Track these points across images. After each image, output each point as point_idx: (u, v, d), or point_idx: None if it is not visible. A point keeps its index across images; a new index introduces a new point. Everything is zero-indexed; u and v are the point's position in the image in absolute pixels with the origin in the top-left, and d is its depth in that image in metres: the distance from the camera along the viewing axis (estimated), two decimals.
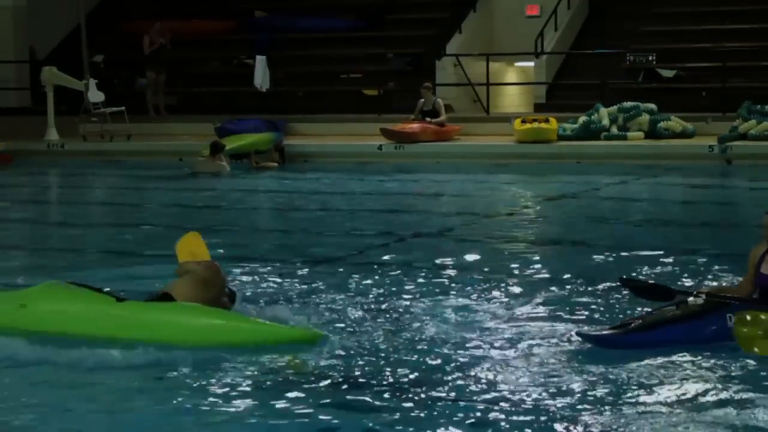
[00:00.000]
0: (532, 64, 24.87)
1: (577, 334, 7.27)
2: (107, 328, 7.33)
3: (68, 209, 16.14)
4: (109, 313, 7.47)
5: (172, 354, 6.96)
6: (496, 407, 5.97)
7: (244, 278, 9.35)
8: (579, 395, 6.14)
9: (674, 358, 6.83)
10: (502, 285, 8.99)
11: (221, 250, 10.92)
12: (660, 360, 6.80)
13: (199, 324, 7.33)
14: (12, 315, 7.50)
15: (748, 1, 23.91)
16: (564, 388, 6.27)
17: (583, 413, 5.85)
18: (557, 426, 5.69)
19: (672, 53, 23.95)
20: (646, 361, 6.77)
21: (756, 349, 6.54)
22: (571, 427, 5.66)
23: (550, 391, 6.22)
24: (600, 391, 6.21)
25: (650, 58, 23.66)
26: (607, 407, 5.94)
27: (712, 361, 6.74)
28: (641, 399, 6.07)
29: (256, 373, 6.67)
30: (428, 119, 21.55)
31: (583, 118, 21.00)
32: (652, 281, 8.47)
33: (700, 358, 6.82)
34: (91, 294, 7.74)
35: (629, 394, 6.16)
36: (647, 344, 7.02)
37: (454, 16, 25.60)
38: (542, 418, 5.80)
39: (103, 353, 7.00)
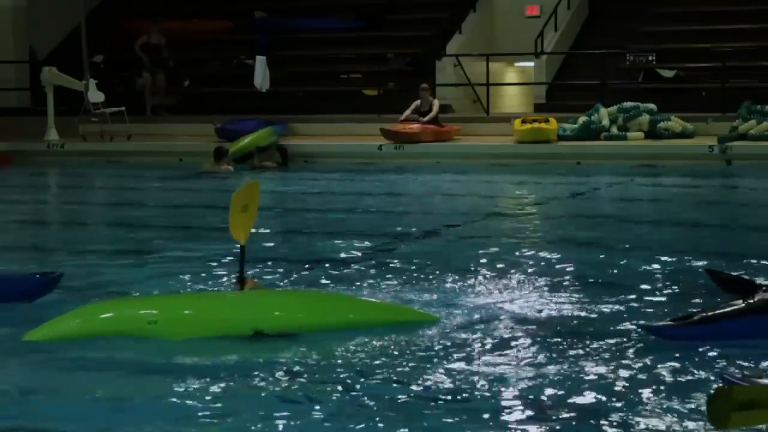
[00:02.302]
0: (532, 64, 24.89)
1: (638, 326, 7.33)
2: (245, 323, 7.39)
3: (68, 209, 16.14)
4: (240, 306, 7.63)
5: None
6: (509, 407, 5.98)
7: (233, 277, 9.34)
8: (599, 392, 6.15)
9: (734, 352, 6.83)
10: (502, 285, 9.00)
11: (223, 250, 10.96)
12: (716, 353, 6.83)
13: (328, 305, 7.77)
14: (147, 334, 7.26)
15: (748, 2, 23.92)
16: (579, 384, 6.28)
17: (618, 411, 5.86)
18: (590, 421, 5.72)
19: (672, 53, 23.97)
20: (705, 355, 6.81)
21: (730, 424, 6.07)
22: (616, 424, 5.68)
23: (562, 385, 6.23)
24: (634, 388, 6.22)
25: (650, 58, 23.68)
26: (643, 405, 5.95)
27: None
28: (692, 394, 6.06)
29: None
30: (422, 119, 21.59)
31: (583, 119, 21.01)
32: (737, 274, 8.51)
33: (760, 352, 6.80)
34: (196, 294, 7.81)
35: (678, 389, 6.17)
36: (709, 337, 7.03)
37: (454, 17, 25.61)
38: (569, 415, 5.82)
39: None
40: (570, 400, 6.05)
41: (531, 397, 6.14)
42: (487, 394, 6.21)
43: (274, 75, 23.97)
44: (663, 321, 7.44)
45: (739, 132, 19.88)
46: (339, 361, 6.85)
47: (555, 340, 7.27)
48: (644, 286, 8.90)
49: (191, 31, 27.07)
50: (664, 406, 5.93)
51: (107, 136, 22.95)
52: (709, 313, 7.28)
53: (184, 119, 24.11)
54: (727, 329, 7.11)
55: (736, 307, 7.30)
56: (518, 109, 25.30)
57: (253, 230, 12.64)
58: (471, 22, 25.62)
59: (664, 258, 10.17)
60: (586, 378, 6.45)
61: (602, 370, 6.59)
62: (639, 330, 7.31)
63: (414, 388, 6.31)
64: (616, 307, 8.17)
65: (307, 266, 10.02)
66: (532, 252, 10.74)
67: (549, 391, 6.21)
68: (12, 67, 26.03)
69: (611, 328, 7.55)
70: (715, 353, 6.90)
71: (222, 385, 6.39)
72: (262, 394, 6.25)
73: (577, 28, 25.66)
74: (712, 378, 6.34)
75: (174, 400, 6.17)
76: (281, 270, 9.80)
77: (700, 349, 6.95)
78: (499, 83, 25.49)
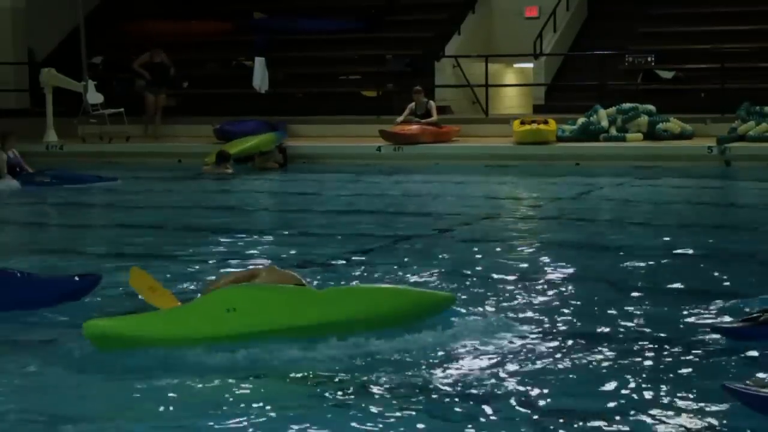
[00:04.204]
0: (531, 65, 24.89)
1: (712, 328, 7.32)
2: (312, 317, 7.33)
3: (68, 211, 16.12)
4: (311, 302, 7.48)
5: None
6: (510, 409, 5.98)
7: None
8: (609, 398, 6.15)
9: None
10: (501, 287, 9.00)
11: (223, 252, 10.97)
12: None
13: (378, 295, 7.83)
14: (222, 321, 7.09)
15: (747, 3, 23.93)
16: (574, 388, 6.28)
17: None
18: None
19: (671, 54, 23.97)
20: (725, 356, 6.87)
21: None
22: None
23: (562, 391, 6.23)
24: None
25: (649, 59, 23.69)
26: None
27: None
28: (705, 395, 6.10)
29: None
30: (420, 121, 21.58)
31: (581, 120, 21.01)
32: None
33: None
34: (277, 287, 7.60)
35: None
36: None
37: (453, 18, 25.63)
38: (576, 416, 5.83)
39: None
40: (572, 402, 6.06)
41: (530, 398, 6.14)
42: (490, 395, 6.21)
43: (273, 76, 23.97)
44: (735, 323, 7.38)
45: (738, 133, 19.89)
46: (342, 362, 6.84)
47: (553, 340, 7.27)
48: (643, 287, 8.90)
49: (190, 32, 27.05)
50: (671, 406, 5.93)
51: (106, 138, 22.93)
52: None
53: (183, 120, 24.10)
54: None
55: None
56: (517, 110, 25.31)
57: (252, 231, 12.72)
58: (470, 24, 25.63)
59: (662, 259, 10.18)
60: (592, 379, 6.46)
61: (606, 370, 6.60)
62: (714, 333, 7.26)
63: (415, 389, 6.32)
64: (616, 308, 8.16)
65: (305, 267, 10.02)
66: (532, 253, 10.74)
67: (549, 392, 6.21)
68: (11, 68, 26.02)
69: (610, 329, 7.55)
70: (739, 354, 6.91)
71: (221, 385, 6.41)
72: (274, 394, 6.27)
73: (576, 29, 25.66)
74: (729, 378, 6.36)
75: (175, 401, 6.20)
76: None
77: (721, 350, 6.98)
78: (498, 84, 25.48)
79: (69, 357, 6.99)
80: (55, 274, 9.08)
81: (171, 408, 6.07)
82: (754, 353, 6.85)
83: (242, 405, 6.06)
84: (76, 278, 8.45)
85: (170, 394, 6.27)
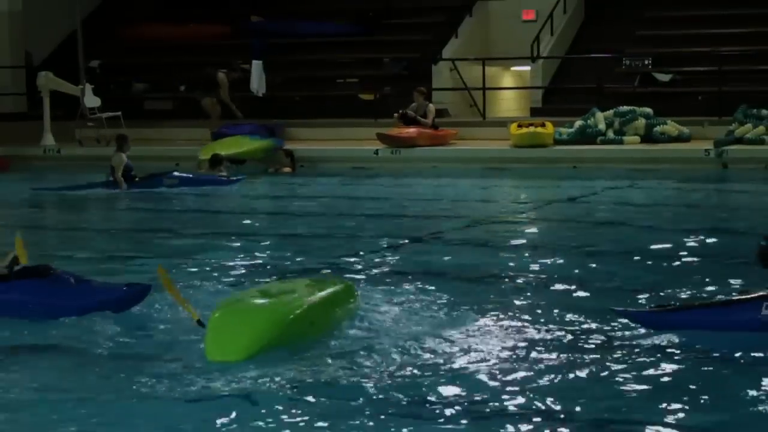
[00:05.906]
0: (528, 68, 24.90)
1: (613, 310, 7.56)
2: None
3: (66, 213, 16.13)
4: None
5: None
6: (500, 411, 5.99)
7: (244, 282, 9.36)
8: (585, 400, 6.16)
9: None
10: (498, 289, 9.01)
11: (220, 255, 10.98)
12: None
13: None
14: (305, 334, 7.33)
15: (744, 5, 23.95)
16: (566, 389, 6.29)
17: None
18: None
19: (668, 57, 23.97)
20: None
21: None
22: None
23: (546, 391, 6.23)
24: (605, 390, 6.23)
25: (646, 62, 23.69)
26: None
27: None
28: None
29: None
30: (417, 117, 21.61)
31: (579, 123, 21.03)
32: None
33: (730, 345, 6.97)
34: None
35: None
36: (678, 325, 7.25)
37: (451, 21, 25.64)
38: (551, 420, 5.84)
39: None
40: (569, 404, 6.06)
41: (526, 399, 6.15)
42: (486, 396, 6.22)
43: (271, 79, 23.96)
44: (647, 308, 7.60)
45: (735, 136, 19.91)
46: (341, 367, 6.85)
47: (551, 342, 7.29)
48: (641, 289, 8.91)
49: (188, 35, 27.04)
50: (654, 404, 5.95)
51: (103, 141, 22.92)
52: (686, 303, 7.54)
53: (180, 124, 24.11)
54: (696, 319, 7.28)
55: (717, 300, 7.51)
56: (514, 113, 25.32)
57: (249, 233, 12.72)
58: (467, 27, 25.63)
59: (660, 261, 10.19)
60: (589, 381, 6.47)
61: (605, 373, 6.61)
62: (625, 325, 7.40)
63: (411, 391, 6.33)
64: (609, 309, 8.17)
65: (301, 269, 10.03)
66: (528, 256, 10.75)
67: (546, 393, 6.22)
68: (8, 72, 26.02)
69: (609, 331, 7.55)
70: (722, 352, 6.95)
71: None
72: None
73: (573, 32, 25.66)
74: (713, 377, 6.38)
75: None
76: (275, 274, 9.81)
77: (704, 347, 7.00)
78: (495, 87, 25.48)
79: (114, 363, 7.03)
80: (107, 282, 8.85)
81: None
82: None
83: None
84: (124, 288, 8.27)
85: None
